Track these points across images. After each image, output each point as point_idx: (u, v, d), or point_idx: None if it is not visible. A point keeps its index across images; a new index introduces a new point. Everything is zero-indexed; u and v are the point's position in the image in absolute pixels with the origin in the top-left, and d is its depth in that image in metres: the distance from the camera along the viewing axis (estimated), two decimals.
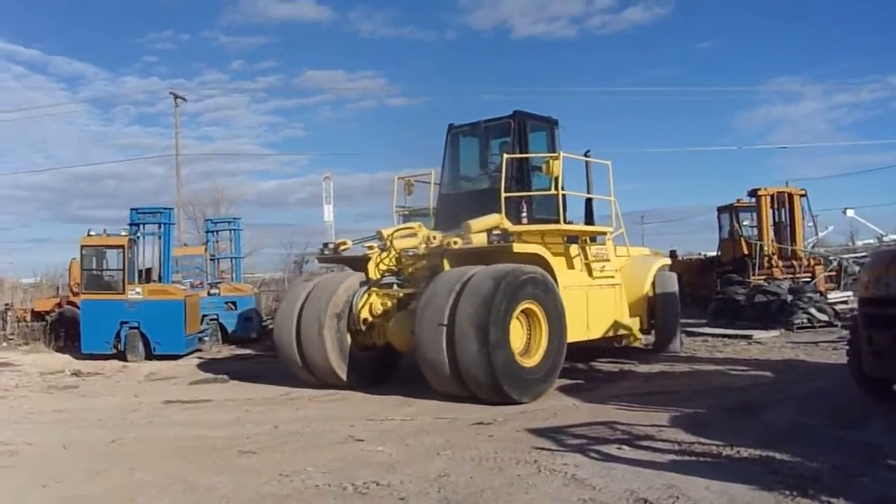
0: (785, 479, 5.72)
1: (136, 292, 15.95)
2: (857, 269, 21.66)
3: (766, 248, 21.38)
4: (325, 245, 13.11)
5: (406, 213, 13.87)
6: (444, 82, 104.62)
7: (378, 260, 11.97)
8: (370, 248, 12.24)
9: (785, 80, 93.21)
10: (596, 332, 12.31)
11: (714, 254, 26.27)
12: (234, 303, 19.00)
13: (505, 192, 11.50)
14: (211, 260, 22.08)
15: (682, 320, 14.55)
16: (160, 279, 17.09)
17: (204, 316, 17.90)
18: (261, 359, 16.09)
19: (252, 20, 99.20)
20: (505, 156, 11.76)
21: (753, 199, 22.39)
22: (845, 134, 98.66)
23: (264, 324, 19.64)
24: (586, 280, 12.31)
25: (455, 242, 10.81)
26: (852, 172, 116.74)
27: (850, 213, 31.92)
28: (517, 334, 10.20)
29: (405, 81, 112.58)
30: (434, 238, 11.32)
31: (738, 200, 23.97)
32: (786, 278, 20.29)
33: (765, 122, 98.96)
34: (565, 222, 11.93)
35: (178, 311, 15.87)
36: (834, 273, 21.80)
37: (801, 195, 22.24)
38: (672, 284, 13.94)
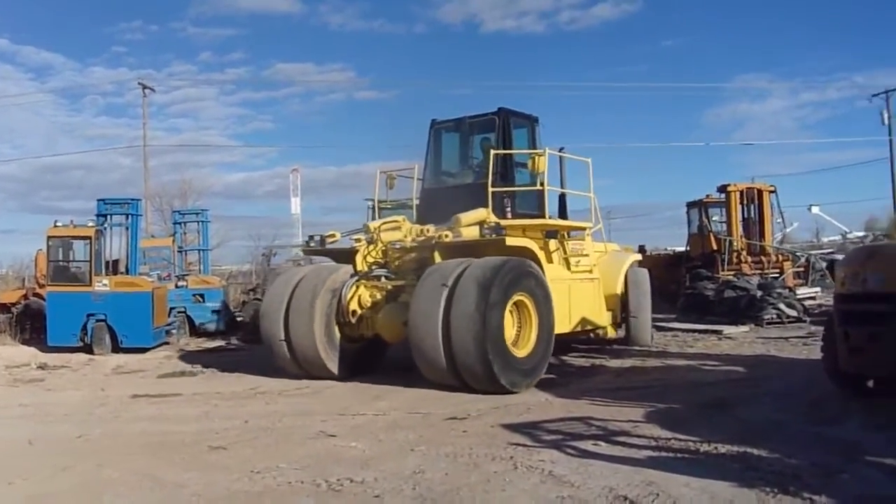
0: (765, 476, 5.69)
1: (103, 284, 15.70)
2: (823, 265, 21.97)
3: (734, 244, 21.50)
4: (312, 237, 13.04)
5: (388, 206, 13.84)
6: (414, 76, 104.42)
7: (366, 252, 11.99)
8: (357, 240, 12.24)
9: (752, 77, 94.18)
10: (576, 325, 12.43)
11: (682, 249, 26.38)
12: (201, 295, 18.76)
13: (491, 187, 11.56)
14: (179, 252, 21.76)
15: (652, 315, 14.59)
16: (127, 271, 16.79)
17: (171, 308, 17.69)
18: (229, 352, 15.94)
19: (221, 11, 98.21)
20: (492, 151, 11.79)
21: (723, 195, 22.50)
22: (811, 132, 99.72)
23: (235, 316, 19.46)
24: (566, 274, 12.44)
25: (446, 235, 10.88)
26: (818, 170, 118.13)
27: (815, 209, 32.37)
28: (509, 324, 10.27)
29: (374, 75, 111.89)
30: (427, 231, 11.30)
31: (708, 196, 24.07)
32: (754, 274, 20.46)
33: (732, 119, 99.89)
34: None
35: (146, 304, 15.65)
36: (802, 269, 22.00)
37: (771, 191, 22.44)
38: (644, 280, 14.00)
